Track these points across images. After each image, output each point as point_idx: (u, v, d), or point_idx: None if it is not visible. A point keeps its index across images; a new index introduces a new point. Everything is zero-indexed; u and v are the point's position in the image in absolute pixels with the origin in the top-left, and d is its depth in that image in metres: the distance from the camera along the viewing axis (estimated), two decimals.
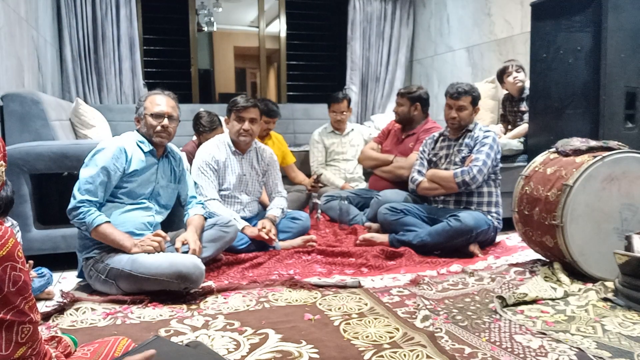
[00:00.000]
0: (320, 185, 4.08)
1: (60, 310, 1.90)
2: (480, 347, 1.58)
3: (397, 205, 2.94)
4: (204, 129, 3.36)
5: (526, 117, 3.45)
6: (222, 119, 3.43)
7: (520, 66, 3.52)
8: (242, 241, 2.66)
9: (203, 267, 2.07)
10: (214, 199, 2.76)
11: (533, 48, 3.16)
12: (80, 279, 2.27)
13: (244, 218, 2.84)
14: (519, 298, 1.97)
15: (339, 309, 1.91)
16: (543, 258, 2.52)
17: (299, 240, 2.84)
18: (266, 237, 2.68)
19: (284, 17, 5.58)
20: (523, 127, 3.44)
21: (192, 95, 5.34)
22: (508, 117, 3.71)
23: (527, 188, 2.42)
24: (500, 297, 1.96)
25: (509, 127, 3.69)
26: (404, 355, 1.51)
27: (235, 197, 2.91)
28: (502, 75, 3.62)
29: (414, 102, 3.47)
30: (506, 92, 3.69)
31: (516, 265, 2.48)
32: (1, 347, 0.92)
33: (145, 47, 5.07)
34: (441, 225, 2.71)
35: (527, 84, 3.51)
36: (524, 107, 3.52)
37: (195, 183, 2.73)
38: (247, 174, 2.94)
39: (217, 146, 2.90)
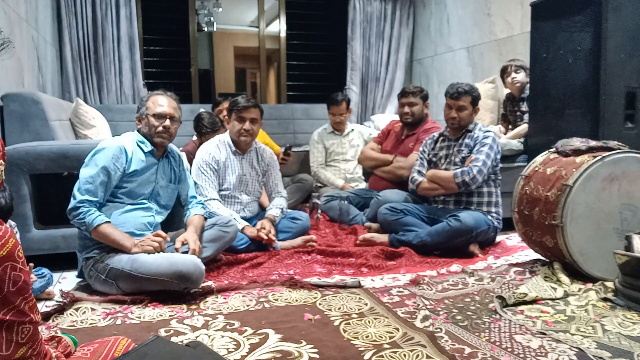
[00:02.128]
0: (320, 185, 4.08)
1: (60, 310, 1.90)
2: (480, 347, 1.58)
3: (397, 205, 2.94)
4: (206, 130, 3.36)
5: (526, 117, 3.44)
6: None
7: (520, 66, 3.51)
8: (242, 241, 2.66)
9: (203, 267, 2.07)
10: (214, 199, 2.76)
11: (533, 48, 3.16)
12: (80, 279, 2.27)
13: (243, 218, 2.85)
14: (519, 298, 1.97)
15: (339, 309, 1.91)
16: (543, 258, 2.51)
17: (299, 240, 2.84)
18: (265, 237, 2.68)
19: (284, 17, 5.58)
20: (523, 128, 3.43)
21: (192, 95, 5.34)
22: (509, 117, 3.70)
23: (527, 188, 2.42)
24: (500, 297, 1.96)
25: (510, 127, 3.69)
26: (404, 355, 1.51)
27: (235, 197, 2.91)
28: (502, 75, 3.62)
29: (425, 100, 3.51)
30: (508, 91, 3.69)
31: (516, 265, 2.48)
32: (2, 347, 0.92)
33: (145, 47, 5.07)
34: (441, 225, 2.71)
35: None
36: (524, 107, 3.52)
37: (195, 183, 2.73)
38: (247, 174, 2.94)
39: (218, 146, 2.90)
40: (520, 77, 3.50)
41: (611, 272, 2.09)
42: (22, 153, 2.35)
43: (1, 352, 0.92)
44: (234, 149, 2.91)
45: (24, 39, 3.26)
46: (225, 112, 3.54)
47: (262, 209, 3.09)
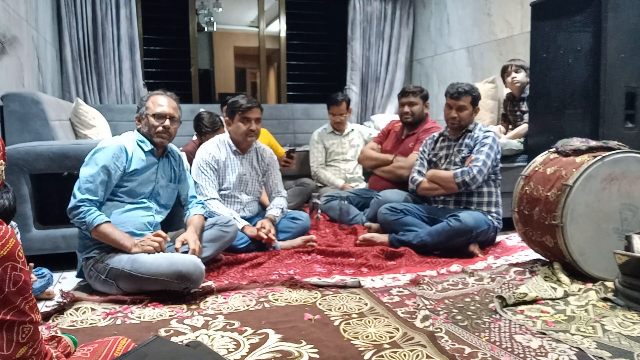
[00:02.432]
0: (320, 185, 4.08)
1: (60, 310, 1.90)
2: (480, 347, 1.58)
3: (397, 205, 2.94)
4: (206, 129, 3.36)
5: (527, 117, 3.44)
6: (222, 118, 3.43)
7: (520, 66, 3.51)
8: (242, 240, 2.67)
9: (203, 267, 2.07)
10: (214, 199, 2.76)
11: (533, 48, 3.16)
12: (80, 279, 2.27)
13: (244, 217, 2.85)
14: (519, 298, 1.97)
15: (339, 309, 1.91)
16: (543, 258, 2.51)
17: (299, 240, 2.84)
18: (265, 237, 2.68)
19: (284, 17, 5.58)
20: (523, 128, 3.43)
21: (192, 95, 5.34)
22: (509, 116, 3.70)
23: (527, 188, 2.42)
24: (500, 297, 1.96)
25: (510, 126, 3.68)
26: (404, 355, 1.51)
27: (235, 197, 2.91)
28: (503, 74, 3.63)
29: (425, 100, 3.51)
30: (509, 91, 3.69)
31: (516, 265, 2.48)
32: (2, 347, 0.92)
33: (145, 47, 5.07)
34: (441, 225, 2.71)
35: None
36: (524, 107, 3.52)
37: (195, 182, 2.73)
38: (247, 174, 2.94)
39: (218, 146, 2.91)
40: (520, 76, 3.50)
41: (611, 272, 2.09)
42: (22, 153, 2.35)
43: (2, 352, 0.92)
44: (234, 148, 2.91)
45: (24, 39, 3.26)
46: None
47: (263, 208, 3.09)
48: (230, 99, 3.86)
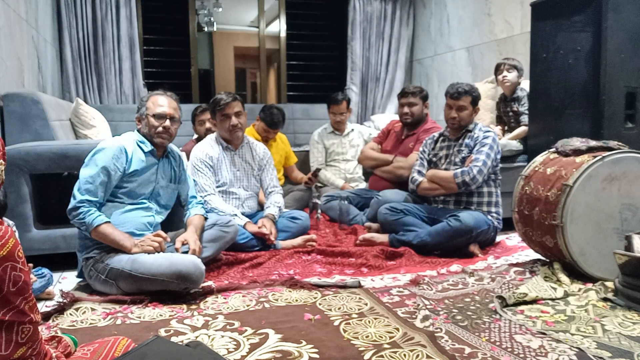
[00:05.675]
0: (320, 185, 4.08)
1: (60, 310, 1.90)
2: (480, 347, 1.58)
3: (397, 205, 2.94)
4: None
5: (522, 118, 3.41)
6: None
7: (513, 66, 3.45)
8: (244, 235, 2.69)
9: (203, 267, 2.07)
10: (213, 194, 2.79)
11: (533, 48, 3.16)
12: (80, 279, 2.27)
13: (243, 214, 2.88)
14: (519, 298, 1.97)
15: (339, 309, 1.91)
16: (543, 258, 2.51)
17: (299, 240, 2.85)
18: (267, 232, 2.70)
19: (284, 17, 5.58)
20: (522, 130, 3.41)
21: (192, 95, 5.34)
22: (503, 118, 3.67)
23: (527, 188, 2.42)
24: (500, 297, 1.96)
25: (505, 127, 3.66)
26: (404, 355, 1.51)
27: (233, 193, 2.94)
28: (496, 72, 3.59)
29: (425, 100, 3.51)
30: (502, 92, 3.67)
31: (516, 265, 2.48)
32: (1, 347, 0.92)
33: (145, 47, 5.07)
34: (441, 225, 2.71)
35: (523, 85, 3.48)
36: (515, 107, 3.48)
37: (194, 181, 2.75)
38: (240, 170, 2.98)
39: (210, 144, 2.96)
40: (512, 76, 3.45)
41: (611, 272, 2.09)
42: (22, 153, 2.35)
43: (0, 351, 0.92)
44: (225, 145, 2.96)
45: (24, 38, 3.26)
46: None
47: (262, 208, 3.10)
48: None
